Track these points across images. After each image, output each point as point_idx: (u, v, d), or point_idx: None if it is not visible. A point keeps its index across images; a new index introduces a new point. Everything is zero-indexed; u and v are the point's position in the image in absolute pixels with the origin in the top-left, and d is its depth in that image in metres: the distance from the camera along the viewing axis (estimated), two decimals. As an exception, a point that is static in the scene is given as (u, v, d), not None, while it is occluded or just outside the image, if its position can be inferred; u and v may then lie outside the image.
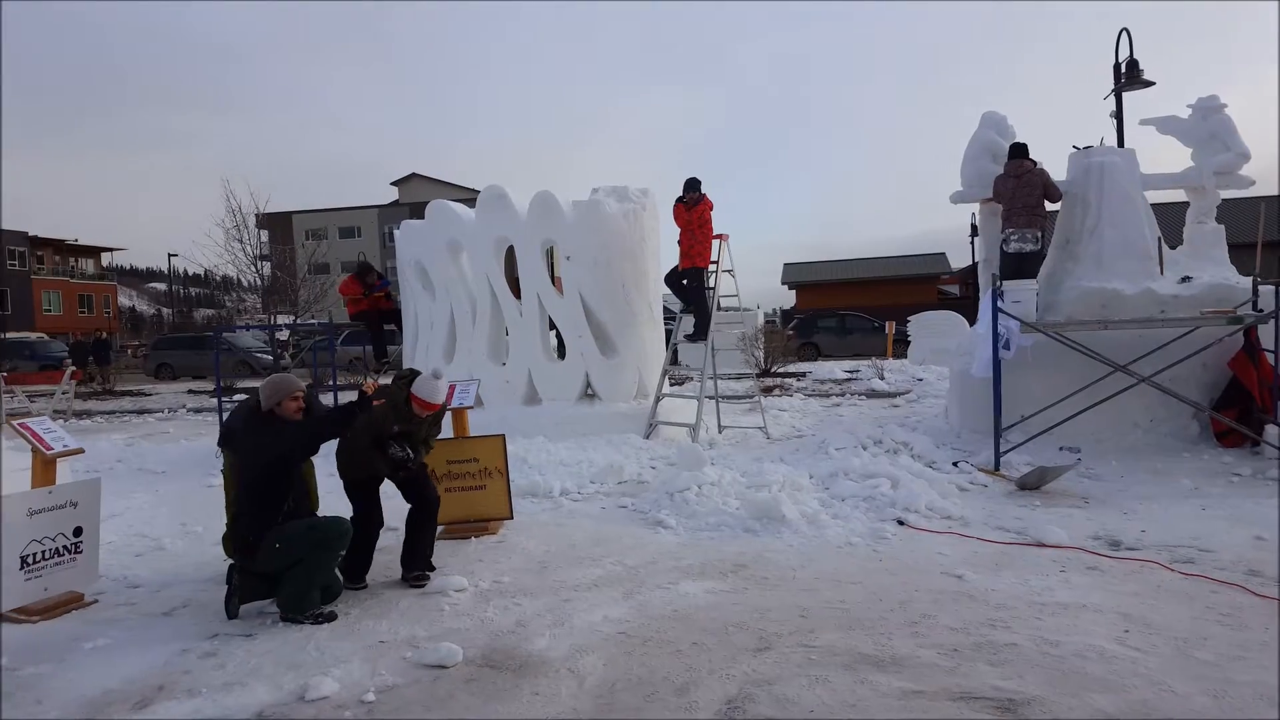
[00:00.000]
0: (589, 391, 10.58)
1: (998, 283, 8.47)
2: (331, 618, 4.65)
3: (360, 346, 17.27)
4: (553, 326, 10.86)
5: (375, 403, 5.08)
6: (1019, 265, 8.78)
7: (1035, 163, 8.99)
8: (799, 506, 6.37)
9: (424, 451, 5.54)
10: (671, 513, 6.63)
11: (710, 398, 10.44)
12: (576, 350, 10.44)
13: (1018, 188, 8.87)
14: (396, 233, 12.03)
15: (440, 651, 4.08)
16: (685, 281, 10.32)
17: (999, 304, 8.00)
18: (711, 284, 10.34)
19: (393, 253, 13.04)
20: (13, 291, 59.52)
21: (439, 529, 5.68)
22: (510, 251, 10.77)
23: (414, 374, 5.35)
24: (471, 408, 6.97)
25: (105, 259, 76.10)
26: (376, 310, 12.42)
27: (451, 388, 7.09)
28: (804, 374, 19.86)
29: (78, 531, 5.17)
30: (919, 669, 3.80)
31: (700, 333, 10.29)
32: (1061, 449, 7.98)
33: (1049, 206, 9.06)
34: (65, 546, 5.09)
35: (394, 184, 68.71)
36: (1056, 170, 9.29)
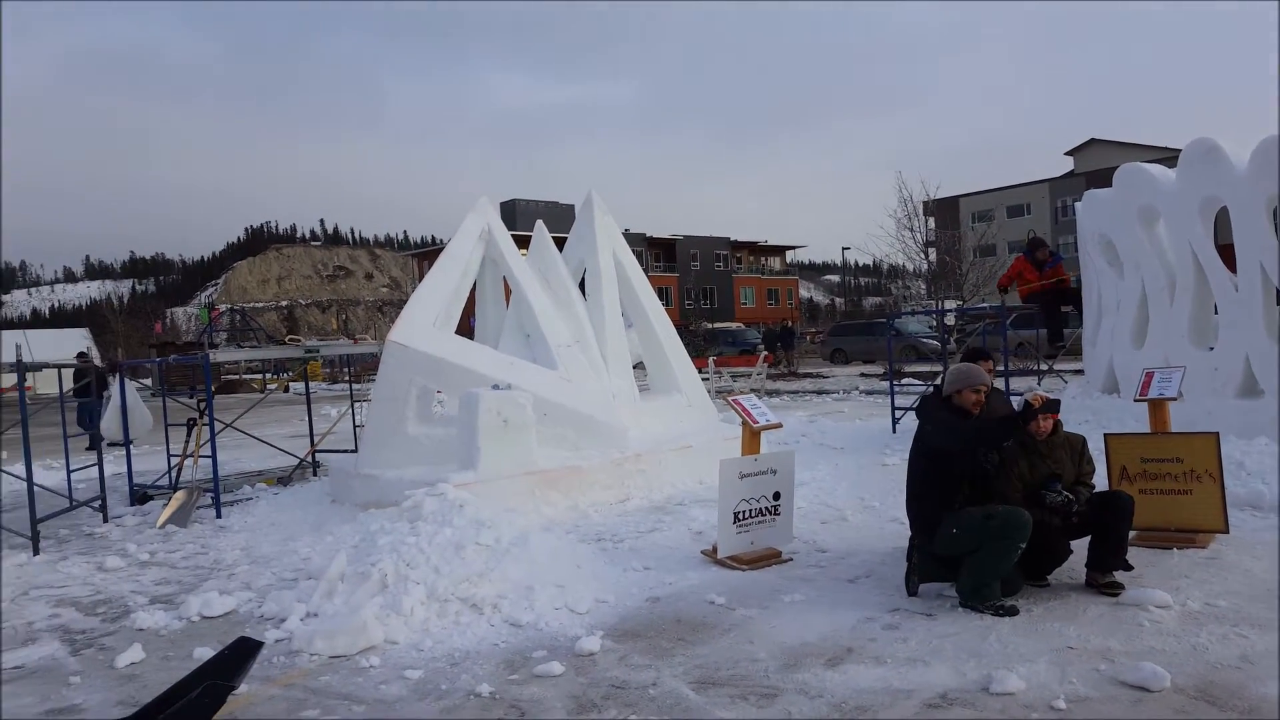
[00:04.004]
0: (1339, 383, 8.32)
1: None
2: (1013, 612, 4.41)
3: (1032, 330, 16.38)
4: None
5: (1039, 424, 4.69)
6: None
7: None
8: None
9: (1084, 493, 4.79)
10: None
11: None
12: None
13: None
14: (1077, 206, 11.11)
15: (1143, 671, 3.57)
16: None
17: None
18: None
19: (1065, 229, 12.11)
20: (718, 289, 72.91)
21: (1130, 534, 4.95)
22: (1222, 215, 9.04)
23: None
24: (1174, 399, 5.99)
25: (789, 256, 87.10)
26: (1052, 290, 11.63)
27: (1149, 376, 6.22)
28: None
29: (776, 495, 5.84)
30: None
31: None
32: None
33: None
34: (766, 508, 5.79)
35: (1068, 154, 64.19)
36: None
